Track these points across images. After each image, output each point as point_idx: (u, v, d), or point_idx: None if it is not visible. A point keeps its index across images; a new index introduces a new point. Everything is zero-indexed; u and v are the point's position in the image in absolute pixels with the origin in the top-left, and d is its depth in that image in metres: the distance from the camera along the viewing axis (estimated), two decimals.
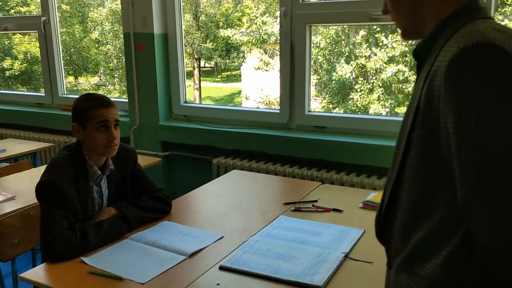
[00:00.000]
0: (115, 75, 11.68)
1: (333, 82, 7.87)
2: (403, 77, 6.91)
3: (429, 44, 0.91)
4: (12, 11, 10.48)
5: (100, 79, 12.77)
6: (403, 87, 7.14)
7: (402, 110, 7.04)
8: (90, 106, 1.85)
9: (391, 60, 6.92)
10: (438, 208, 0.86)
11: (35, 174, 2.55)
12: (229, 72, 15.10)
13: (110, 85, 11.73)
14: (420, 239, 0.89)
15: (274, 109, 3.88)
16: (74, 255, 1.66)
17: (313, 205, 2.13)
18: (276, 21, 8.46)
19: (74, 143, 1.92)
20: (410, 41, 6.62)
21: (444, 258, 0.85)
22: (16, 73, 10.66)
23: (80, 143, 1.89)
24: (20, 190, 2.51)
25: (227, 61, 13.25)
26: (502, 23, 0.88)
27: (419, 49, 0.95)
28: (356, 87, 7.52)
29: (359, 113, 7.23)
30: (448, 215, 0.85)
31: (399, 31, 1.01)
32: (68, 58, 11.30)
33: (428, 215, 0.87)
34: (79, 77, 12.40)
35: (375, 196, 2.18)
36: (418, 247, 0.90)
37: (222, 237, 1.82)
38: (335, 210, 2.08)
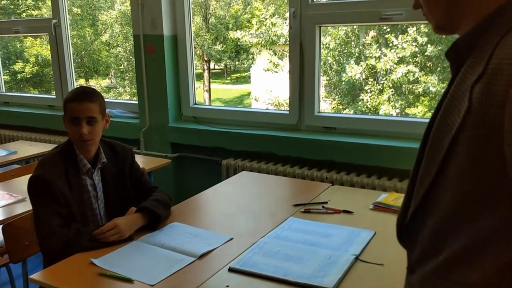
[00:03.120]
0: (126, 78, 11.75)
1: (343, 83, 7.83)
2: (413, 78, 6.87)
3: (473, 41, 0.84)
4: (24, 14, 10.57)
5: (111, 82, 12.84)
6: (413, 87, 7.09)
7: (413, 111, 6.99)
8: (67, 99, 1.88)
9: (401, 60, 6.88)
10: (491, 212, 0.79)
11: None
12: (238, 74, 15.12)
13: (120, 88, 11.80)
14: (465, 244, 0.82)
15: (284, 110, 3.86)
16: (68, 252, 1.68)
17: (323, 207, 2.12)
18: (285, 23, 8.45)
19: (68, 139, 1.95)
20: (421, 41, 6.62)
21: (500, 264, 0.78)
22: (28, 76, 10.76)
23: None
24: None
25: (237, 63, 13.25)
26: None
27: (460, 47, 0.87)
28: (366, 88, 7.48)
29: (369, 114, 7.18)
30: (506, 219, 0.77)
31: (431, 26, 0.94)
32: (79, 60, 11.37)
33: (477, 219, 0.80)
34: (90, 80, 12.47)
35: (386, 198, 2.16)
36: (462, 252, 0.83)
37: (231, 239, 1.82)
38: (345, 211, 2.06)
